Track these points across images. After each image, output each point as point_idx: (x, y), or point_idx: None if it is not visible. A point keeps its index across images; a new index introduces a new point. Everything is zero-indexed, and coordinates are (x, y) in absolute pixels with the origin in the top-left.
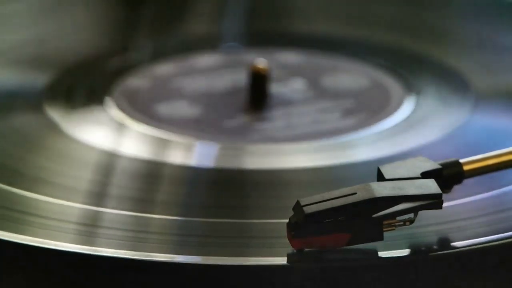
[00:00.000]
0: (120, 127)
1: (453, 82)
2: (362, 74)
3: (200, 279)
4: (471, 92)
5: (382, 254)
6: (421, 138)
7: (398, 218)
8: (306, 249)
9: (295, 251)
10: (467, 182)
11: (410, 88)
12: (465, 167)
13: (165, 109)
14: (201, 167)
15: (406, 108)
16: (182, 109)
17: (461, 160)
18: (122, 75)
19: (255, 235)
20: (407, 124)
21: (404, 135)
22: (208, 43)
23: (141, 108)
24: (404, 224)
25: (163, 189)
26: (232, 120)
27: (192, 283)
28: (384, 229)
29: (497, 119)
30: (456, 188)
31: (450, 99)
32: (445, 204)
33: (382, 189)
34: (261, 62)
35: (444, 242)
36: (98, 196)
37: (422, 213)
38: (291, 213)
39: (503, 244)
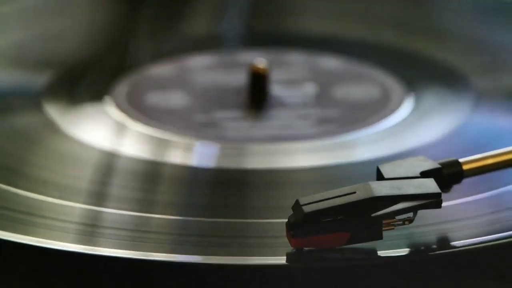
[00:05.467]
0: (120, 127)
1: (453, 82)
2: (362, 74)
3: (200, 278)
4: (471, 92)
5: (381, 253)
6: (421, 138)
7: (398, 217)
8: (306, 249)
9: (294, 250)
10: (467, 181)
11: (410, 88)
12: (465, 167)
13: (164, 108)
14: (200, 167)
15: (406, 108)
16: (181, 109)
17: (461, 160)
18: (122, 75)
19: (255, 234)
20: (407, 124)
21: (404, 135)
22: (208, 43)
23: (141, 108)
24: (404, 224)
25: (163, 189)
26: (232, 120)
27: (192, 283)
28: (384, 228)
29: (497, 119)
30: (456, 187)
31: (450, 99)
32: (444, 204)
33: (381, 188)
34: (261, 62)
35: (444, 242)
36: (98, 196)
37: (421, 213)
38: (291, 212)
39: (502, 244)
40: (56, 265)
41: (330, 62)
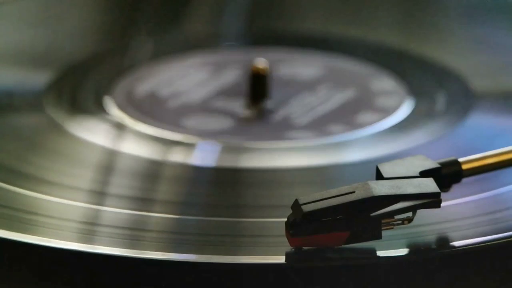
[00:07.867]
0: (121, 126)
1: (453, 83)
2: (361, 74)
3: (199, 277)
4: (471, 93)
5: (380, 253)
6: (420, 138)
7: (397, 217)
8: (305, 248)
9: (293, 249)
10: (466, 181)
11: (410, 88)
12: (464, 166)
13: (164, 108)
14: (200, 166)
15: (406, 108)
16: (181, 108)
17: (460, 159)
18: (122, 75)
19: (254, 233)
20: (407, 124)
21: (404, 135)
22: (208, 43)
23: (141, 107)
24: (403, 223)
25: (163, 188)
26: (232, 120)
27: (191, 282)
28: (383, 228)
29: (496, 119)
30: (455, 187)
31: (450, 100)
32: (443, 203)
33: (380, 188)
34: (261, 62)
35: (443, 241)
36: (99, 195)
37: (421, 212)
38: (290, 211)
39: (502, 244)
40: (56, 264)
41: (329, 63)
